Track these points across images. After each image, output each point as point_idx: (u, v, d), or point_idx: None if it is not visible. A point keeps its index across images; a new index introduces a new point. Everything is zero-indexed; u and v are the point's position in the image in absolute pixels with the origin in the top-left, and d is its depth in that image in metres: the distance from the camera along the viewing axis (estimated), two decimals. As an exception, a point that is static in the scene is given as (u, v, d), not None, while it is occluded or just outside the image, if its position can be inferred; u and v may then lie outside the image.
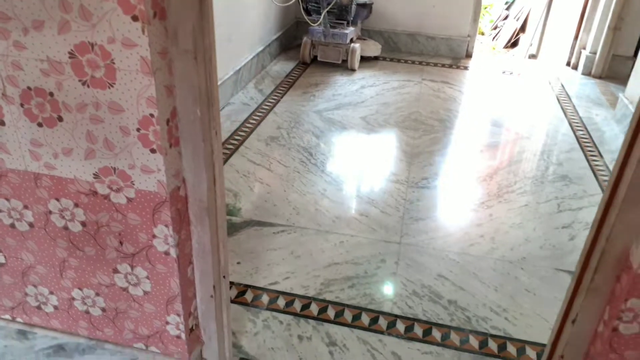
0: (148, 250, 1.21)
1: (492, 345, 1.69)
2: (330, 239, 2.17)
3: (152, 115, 1.03)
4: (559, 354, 1.17)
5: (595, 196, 2.48)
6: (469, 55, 4.30)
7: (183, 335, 1.34)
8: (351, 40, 3.87)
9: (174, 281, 1.24)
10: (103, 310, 1.35)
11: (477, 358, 1.65)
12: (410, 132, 3.07)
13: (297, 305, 1.82)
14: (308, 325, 1.74)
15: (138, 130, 1.05)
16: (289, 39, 4.31)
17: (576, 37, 4.09)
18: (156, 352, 1.39)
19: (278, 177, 2.57)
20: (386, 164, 2.76)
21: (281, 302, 1.83)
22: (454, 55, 4.29)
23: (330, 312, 1.79)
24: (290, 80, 3.71)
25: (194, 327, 1.37)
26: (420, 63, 4.17)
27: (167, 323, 1.33)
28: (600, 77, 3.95)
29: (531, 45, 5.77)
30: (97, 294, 1.32)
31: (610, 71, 3.94)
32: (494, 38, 6.86)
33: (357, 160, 2.80)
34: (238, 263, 2.00)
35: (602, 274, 1.04)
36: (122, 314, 1.34)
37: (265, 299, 1.84)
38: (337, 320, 1.76)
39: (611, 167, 2.73)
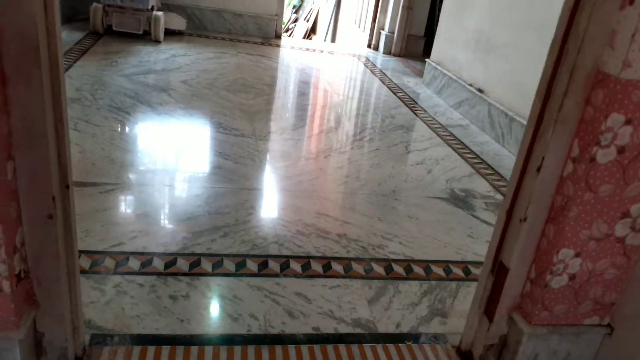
0: None
1: (398, 269, 1.49)
2: (178, 193, 1.72)
3: None
4: (520, 217, 1.01)
5: (432, 139, 2.54)
6: (278, 36, 4.20)
7: (6, 286, 0.79)
8: (152, 8, 3.39)
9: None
10: None
11: (387, 283, 1.42)
12: (242, 95, 2.77)
13: (159, 264, 1.34)
14: (180, 282, 1.29)
15: None
16: (74, 9, 3.60)
17: (374, 20, 4.35)
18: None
19: (90, 136, 2.00)
20: (227, 121, 2.39)
21: (134, 264, 1.33)
22: (263, 35, 4.14)
23: (206, 265, 1.37)
24: (82, 49, 3.05)
25: (22, 274, 0.83)
26: (232, 40, 3.91)
27: (-30, 269, 0.77)
28: (399, 56, 4.25)
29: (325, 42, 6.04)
30: None
31: (407, 50, 4.29)
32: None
33: (189, 118, 2.37)
34: (57, 228, 1.41)
35: (572, 97, 0.91)
36: None
37: (109, 262, 1.32)
38: (217, 272, 1.35)
39: (437, 119, 2.87)
